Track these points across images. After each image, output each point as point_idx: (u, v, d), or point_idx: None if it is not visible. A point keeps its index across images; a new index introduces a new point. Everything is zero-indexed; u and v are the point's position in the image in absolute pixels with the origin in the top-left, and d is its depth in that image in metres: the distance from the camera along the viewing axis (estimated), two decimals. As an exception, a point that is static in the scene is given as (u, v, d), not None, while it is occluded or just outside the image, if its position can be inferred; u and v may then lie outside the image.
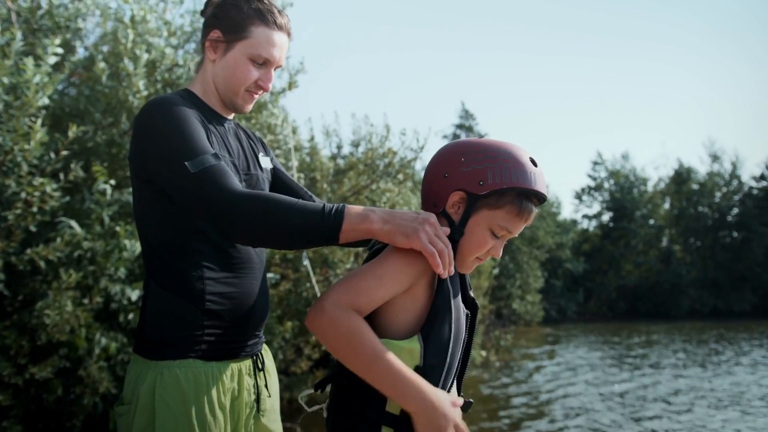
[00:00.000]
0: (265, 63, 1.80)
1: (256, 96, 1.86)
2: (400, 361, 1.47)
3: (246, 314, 1.78)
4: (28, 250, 4.10)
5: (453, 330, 1.56)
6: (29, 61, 4.06)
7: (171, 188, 1.60)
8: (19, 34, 4.27)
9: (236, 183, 1.54)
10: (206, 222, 1.54)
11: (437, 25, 71.04)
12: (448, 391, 1.59)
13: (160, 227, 1.70)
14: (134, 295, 4.56)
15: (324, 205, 1.50)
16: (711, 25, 63.64)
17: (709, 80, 64.67)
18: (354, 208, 1.50)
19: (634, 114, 66.10)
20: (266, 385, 1.88)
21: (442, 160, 1.67)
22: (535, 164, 1.63)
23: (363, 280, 1.50)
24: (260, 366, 1.86)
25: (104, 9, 5.43)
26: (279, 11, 1.79)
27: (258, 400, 1.82)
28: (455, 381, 1.65)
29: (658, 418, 8.10)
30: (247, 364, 1.81)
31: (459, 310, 1.60)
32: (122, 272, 4.52)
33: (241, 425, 1.77)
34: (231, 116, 1.91)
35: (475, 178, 1.60)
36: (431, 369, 1.52)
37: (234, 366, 1.76)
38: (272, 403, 1.90)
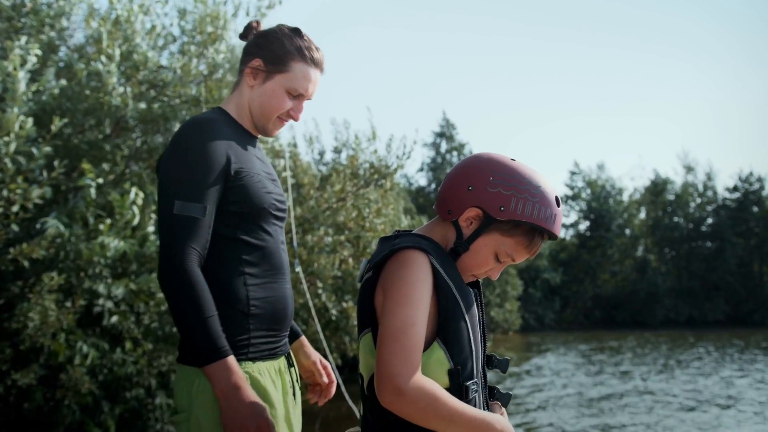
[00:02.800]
0: (298, 96, 1.95)
1: (285, 123, 2.00)
2: (470, 407, 1.50)
3: (282, 315, 1.91)
4: (11, 249, 3.99)
5: (468, 321, 1.57)
6: (17, 59, 4.00)
7: (158, 205, 1.79)
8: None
9: (194, 249, 1.73)
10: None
11: (419, 33, 71.45)
12: (480, 370, 1.63)
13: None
14: (119, 292, 4.46)
15: (219, 340, 1.67)
16: (686, 39, 64.76)
17: (684, 92, 65.78)
18: (230, 366, 1.67)
19: (611, 124, 66.94)
20: (297, 379, 2.02)
21: (470, 171, 1.64)
22: (558, 204, 1.62)
23: (403, 333, 1.46)
24: (291, 362, 2.01)
25: (90, 8, 5.34)
26: (316, 48, 1.97)
27: (294, 393, 1.97)
28: (483, 358, 1.67)
29: (630, 424, 8.15)
30: (282, 362, 1.94)
31: (467, 297, 1.59)
32: (106, 271, 4.42)
33: (290, 417, 1.90)
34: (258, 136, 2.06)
35: (498, 201, 1.58)
36: (463, 364, 1.54)
37: (274, 364, 1.89)
38: (300, 410, 2.02)
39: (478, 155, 1.67)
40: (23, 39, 4.47)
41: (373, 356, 1.56)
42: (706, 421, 8.47)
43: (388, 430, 1.55)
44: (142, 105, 5.18)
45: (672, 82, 64.19)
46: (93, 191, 4.35)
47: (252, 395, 1.69)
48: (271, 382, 1.83)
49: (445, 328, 1.53)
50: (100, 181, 4.46)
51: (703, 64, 62.94)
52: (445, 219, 1.66)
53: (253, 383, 1.76)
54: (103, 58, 4.92)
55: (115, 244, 4.32)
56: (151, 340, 4.96)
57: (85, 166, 4.36)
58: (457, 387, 1.52)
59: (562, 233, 42.84)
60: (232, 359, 1.70)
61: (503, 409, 1.72)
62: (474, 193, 1.60)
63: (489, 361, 1.72)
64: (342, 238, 7.05)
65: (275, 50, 1.92)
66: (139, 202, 4.68)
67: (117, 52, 5.00)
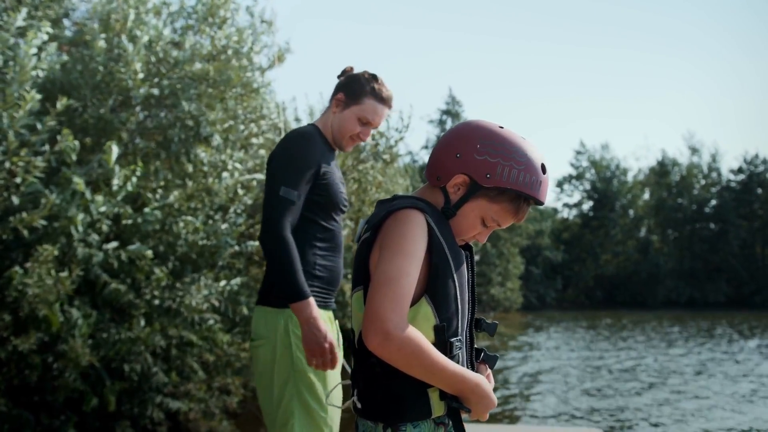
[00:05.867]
0: (367, 123, 2.63)
1: (355, 142, 2.69)
2: (451, 362, 1.56)
3: (334, 280, 2.63)
4: (11, 218, 4.04)
5: (456, 280, 1.61)
6: (31, 34, 4.03)
7: (265, 187, 2.49)
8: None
9: (289, 222, 2.43)
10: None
11: (427, 14, 70.78)
12: (467, 330, 1.69)
13: None
14: (110, 255, 4.48)
15: (305, 286, 2.39)
16: (695, 20, 64.07)
17: (690, 74, 65.22)
18: (311, 303, 2.38)
19: (616, 105, 66.56)
20: (337, 328, 2.70)
21: (458, 138, 1.67)
22: (544, 171, 1.64)
23: (396, 281, 1.52)
24: (335, 316, 2.70)
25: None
26: (386, 89, 2.64)
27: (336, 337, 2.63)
28: (470, 318, 1.71)
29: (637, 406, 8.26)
30: (330, 314, 2.64)
31: (458, 257, 1.63)
32: (93, 237, 4.45)
33: (338, 349, 2.53)
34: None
35: (484, 169, 1.61)
36: (448, 321, 1.60)
37: (324, 313, 2.56)
38: (341, 352, 2.69)
39: (467, 122, 1.70)
40: (24, 11, 4.47)
41: (362, 311, 1.61)
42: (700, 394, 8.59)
43: (376, 383, 1.61)
44: (155, 91, 5.19)
45: (679, 62, 63.69)
46: (74, 155, 4.37)
47: (323, 324, 2.40)
48: (327, 322, 2.51)
49: (434, 286, 1.57)
50: (76, 143, 4.47)
51: (711, 45, 62.38)
52: (434, 185, 1.69)
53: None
54: (124, 38, 4.93)
55: (97, 200, 4.35)
56: (157, 325, 5.01)
57: (65, 131, 4.39)
58: (442, 343, 1.57)
59: (565, 212, 42.87)
60: (312, 299, 2.40)
61: (489, 370, 1.77)
62: (461, 160, 1.63)
63: (477, 325, 1.75)
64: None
65: (355, 88, 2.61)
66: (138, 173, 4.70)
67: (145, 38, 5.00)
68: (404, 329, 1.49)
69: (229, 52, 5.59)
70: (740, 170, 39.59)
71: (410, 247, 1.55)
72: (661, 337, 17.48)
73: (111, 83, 5.03)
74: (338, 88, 2.66)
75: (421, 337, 1.52)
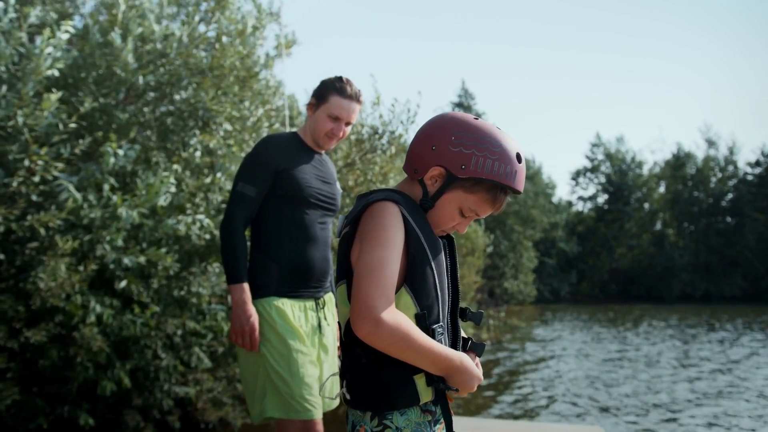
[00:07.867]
0: (336, 119, 2.86)
1: (333, 140, 2.92)
2: (437, 343, 1.62)
3: (306, 271, 2.81)
4: (29, 217, 4.10)
5: (435, 268, 1.65)
6: (47, 32, 4.08)
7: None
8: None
9: (242, 213, 2.75)
10: None
11: (444, 11, 70.51)
12: (449, 316, 1.73)
13: (262, 213, 2.82)
14: (129, 261, 4.57)
15: (242, 271, 2.72)
16: (706, 18, 63.34)
17: (707, 70, 64.52)
18: (244, 288, 2.70)
19: (632, 98, 66.02)
20: (325, 317, 2.91)
21: (433, 131, 1.70)
22: (519, 160, 1.67)
23: (380, 271, 1.56)
24: (321, 305, 2.90)
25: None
26: (351, 86, 2.86)
27: (319, 325, 2.86)
28: (451, 306, 1.74)
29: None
30: (309, 303, 2.85)
31: (435, 246, 1.67)
32: (119, 242, 4.51)
33: (310, 336, 2.82)
34: (322, 151, 2.98)
35: (459, 160, 1.64)
36: (428, 309, 1.64)
37: (299, 303, 2.81)
38: (332, 339, 2.93)
39: (442, 115, 1.73)
40: (38, 8, 4.53)
41: (347, 305, 1.66)
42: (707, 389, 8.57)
43: (363, 373, 1.66)
44: (151, 78, 5.22)
45: (696, 55, 63.04)
46: (111, 160, 4.42)
47: (251, 309, 2.70)
48: (291, 312, 2.75)
49: (413, 275, 1.62)
50: (120, 151, 4.53)
51: (728, 38, 61.67)
52: (412, 178, 1.73)
53: (277, 310, 2.73)
54: (117, 30, 4.96)
55: (127, 214, 4.40)
56: (161, 305, 5.08)
57: (112, 136, 4.46)
58: (424, 329, 1.61)
59: (580, 205, 42.67)
60: (246, 285, 2.71)
61: (477, 359, 1.80)
62: (437, 153, 1.66)
63: (463, 314, 1.79)
64: (347, 200, 7.13)
65: (321, 90, 2.87)
66: (173, 180, 4.70)
67: (138, 30, 5.04)
68: (393, 315, 1.54)
69: (224, 39, 5.58)
70: (757, 163, 39.17)
71: (388, 237, 1.60)
72: (674, 332, 17.39)
73: (108, 76, 5.07)
74: (311, 95, 2.93)
75: (408, 321, 1.57)
